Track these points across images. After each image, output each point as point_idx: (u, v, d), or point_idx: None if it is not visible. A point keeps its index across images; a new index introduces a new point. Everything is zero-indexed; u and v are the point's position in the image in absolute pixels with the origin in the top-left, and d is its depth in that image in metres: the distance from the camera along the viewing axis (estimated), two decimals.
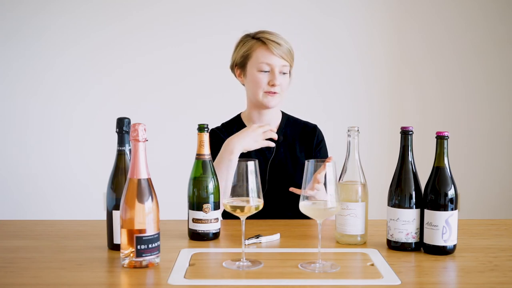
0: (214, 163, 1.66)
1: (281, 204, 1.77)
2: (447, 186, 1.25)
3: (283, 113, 1.90)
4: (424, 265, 1.20)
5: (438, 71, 3.67)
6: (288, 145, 1.84)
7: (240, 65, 1.81)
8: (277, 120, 1.87)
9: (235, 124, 1.88)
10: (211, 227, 1.39)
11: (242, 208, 1.17)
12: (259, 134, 1.69)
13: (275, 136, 1.73)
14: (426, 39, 3.65)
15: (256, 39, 1.76)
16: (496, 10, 3.63)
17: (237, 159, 1.18)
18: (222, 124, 1.91)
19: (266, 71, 1.74)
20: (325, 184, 1.16)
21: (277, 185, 1.77)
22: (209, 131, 1.47)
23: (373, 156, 3.52)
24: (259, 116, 1.83)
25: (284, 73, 1.76)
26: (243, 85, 1.85)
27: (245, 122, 1.87)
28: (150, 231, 1.15)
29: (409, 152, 1.30)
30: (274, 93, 1.75)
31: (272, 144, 1.74)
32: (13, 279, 1.11)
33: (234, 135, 1.71)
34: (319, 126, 1.91)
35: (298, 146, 1.84)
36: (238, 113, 1.92)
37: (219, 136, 1.83)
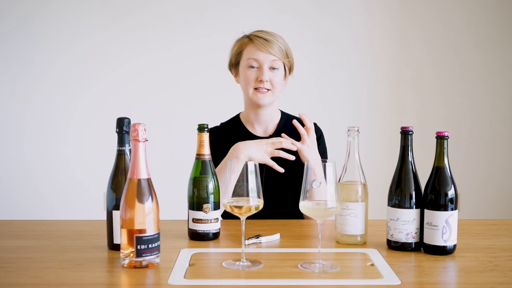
0: (219, 166, 1.66)
1: (277, 204, 1.76)
2: (447, 186, 1.25)
3: (282, 113, 1.90)
4: (424, 265, 1.20)
5: (438, 71, 3.67)
6: None
7: (234, 64, 1.83)
8: (275, 120, 1.86)
9: (234, 125, 1.88)
10: (211, 227, 1.39)
11: (242, 208, 1.17)
12: (268, 152, 1.66)
13: (291, 157, 1.69)
14: (426, 39, 3.65)
15: (247, 38, 1.78)
16: (497, 9, 3.63)
17: (241, 165, 1.17)
18: (221, 124, 1.91)
19: (254, 68, 1.75)
20: (325, 184, 1.15)
21: (274, 185, 1.77)
22: (208, 130, 1.46)
23: (373, 156, 3.52)
24: (256, 117, 1.83)
25: (274, 69, 1.75)
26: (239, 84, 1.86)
27: (244, 123, 1.87)
28: (150, 231, 1.15)
29: (409, 152, 1.30)
30: (265, 89, 1.75)
31: (281, 170, 1.68)
32: (13, 279, 1.11)
33: (245, 141, 1.69)
34: (319, 125, 1.90)
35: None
36: (238, 113, 1.92)
37: (217, 135, 1.84)
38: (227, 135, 1.85)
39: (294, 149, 1.69)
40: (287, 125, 1.86)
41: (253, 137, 1.83)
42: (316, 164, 1.18)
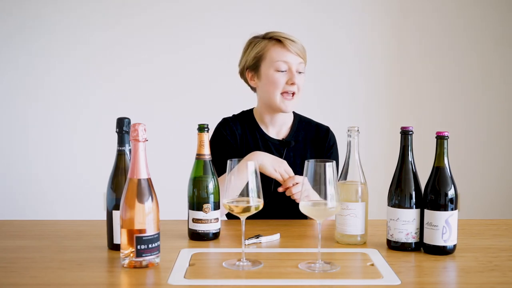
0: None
1: (288, 209, 1.71)
2: (447, 186, 1.25)
3: (295, 114, 1.86)
4: (424, 265, 1.20)
5: (438, 71, 3.67)
6: (299, 149, 1.80)
7: (252, 67, 1.76)
8: (289, 122, 1.83)
9: (247, 120, 1.82)
10: (211, 227, 1.39)
11: (242, 208, 1.17)
12: (280, 171, 1.61)
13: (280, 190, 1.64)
14: (426, 39, 3.65)
15: (269, 39, 1.72)
16: (495, 9, 3.63)
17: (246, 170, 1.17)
18: (234, 115, 1.86)
19: (283, 71, 1.70)
20: (325, 184, 1.15)
21: (274, 185, 1.76)
22: (208, 130, 1.45)
23: (373, 156, 3.52)
24: (272, 120, 1.80)
25: (300, 73, 1.72)
26: (252, 88, 1.82)
27: (257, 121, 1.82)
28: (150, 231, 1.15)
29: (409, 152, 1.30)
30: (293, 93, 1.70)
31: (279, 177, 1.62)
32: (13, 279, 1.11)
33: (265, 153, 1.64)
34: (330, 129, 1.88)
35: (309, 150, 1.81)
36: (249, 108, 1.87)
37: (232, 128, 1.80)
38: (242, 128, 1.81)
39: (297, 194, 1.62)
40: (300, 128, 1.83)
41: (267, 139, 1.80)
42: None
